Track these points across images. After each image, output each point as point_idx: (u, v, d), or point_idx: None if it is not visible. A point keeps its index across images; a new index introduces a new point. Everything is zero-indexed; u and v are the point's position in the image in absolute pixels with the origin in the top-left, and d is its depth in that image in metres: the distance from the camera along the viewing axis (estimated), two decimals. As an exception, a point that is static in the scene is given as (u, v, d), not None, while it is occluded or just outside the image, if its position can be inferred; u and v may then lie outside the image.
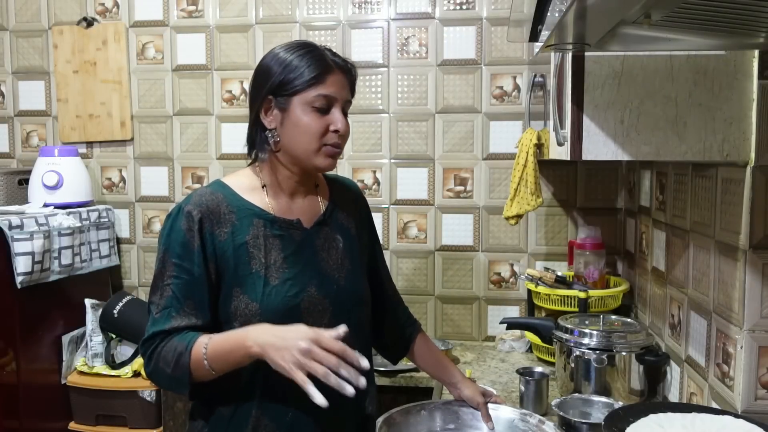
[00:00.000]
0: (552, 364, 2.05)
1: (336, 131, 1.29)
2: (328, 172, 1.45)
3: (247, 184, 1.36)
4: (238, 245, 1.29)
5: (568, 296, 2.14)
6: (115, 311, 2.40)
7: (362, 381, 1.14)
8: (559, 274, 2.25)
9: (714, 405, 1.46)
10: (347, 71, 1.33)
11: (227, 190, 1.34)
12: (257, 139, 1.35)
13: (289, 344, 1.14)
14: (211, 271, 1.28)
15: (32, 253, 2.18)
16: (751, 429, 1.20)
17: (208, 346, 1.21)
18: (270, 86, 1.30)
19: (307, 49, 1.30)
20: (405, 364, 2.27)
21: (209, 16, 2.69)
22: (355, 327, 1.36)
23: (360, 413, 1.40)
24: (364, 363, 1.14)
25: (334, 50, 1.35)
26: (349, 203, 1.48)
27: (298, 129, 1.29)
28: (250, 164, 1.40)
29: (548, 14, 0.95)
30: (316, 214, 1.40)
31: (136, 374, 2.40)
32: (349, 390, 1.12)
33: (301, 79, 1.27)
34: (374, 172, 2.62)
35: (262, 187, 1.36)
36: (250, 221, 1.31)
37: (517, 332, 2.41)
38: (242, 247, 1.29)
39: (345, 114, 1.33)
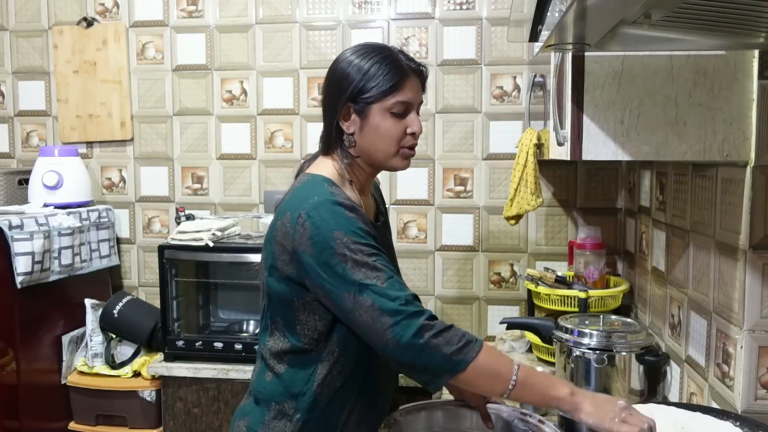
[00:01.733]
0: (552, 364, 2.05)
1: (413, 134, 1.35)
2: None
3: (339, 179, 1.37)
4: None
5: (568, 296, 2.14)
6: (115, 311, 2.40)
7: None
8: (559, 274, 2.25)
9: (714, 405, 1.46)
10: (420, 73, 1.38)
11: (331, 181, 1.34)
12: (336, 143, 1.38)
13: (609, 402, 1.18)
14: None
15: (32, 253, 2.18)
16: None
17: (519, 368, 1.19)
18: (349, 94, 1.33)
19: (384, 55, 1.33)
20: (405, 364, 2.27)
21: (209, 16, 2.69)
22: None
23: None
24: None
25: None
26: (379, 199, 1.56)
27: (378, 134, 1.34)
28: (323, 155, 1.40)
29: (548, 14, 0.95)
30: (374, 211, 1.48)
31: (136, 374, 2.40)
32: None
33: (380, 88, 1.32)
34: (374, 172, 2.62)
35: (350, 183, 1.39)
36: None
37: (517, 332, 2.41)
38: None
39: (418, 113, 1.39)
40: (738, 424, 1.24)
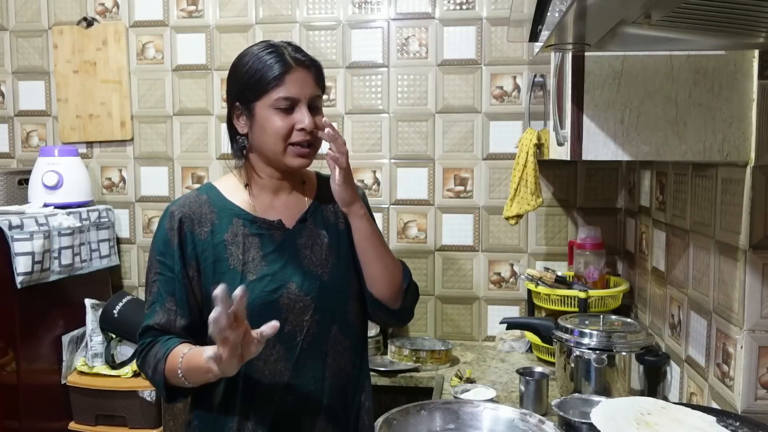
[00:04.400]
0: (552, 364, 2.05)
1: (302, 129, 1.30)
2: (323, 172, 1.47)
3: (232, 185, 1.40)
4: (216, 243, 1.33)
5: (568, 296, 2.14)
6: (115, 311, 2.40)
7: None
8: (559, 274, 2.25)
9: (714, 405, 1.46)
10: (308, 66, 1.33)
11: (213, 191, 1.39)
12: (233, 143, 1.39)
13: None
14: (191, 271, 1.32)
15: (32, 253, 2.18)
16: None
17: (183, 358, 1.23)
18: (235, 93, 1.34)
19: (267, 51, 1.31)
20: (405, 363, 2.28)
21: (209, 16, 2.69)
22: (340, 321, 1.39)
23: (353, 405, 1.42)
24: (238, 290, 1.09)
25: (300, 46, 1.36)
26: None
27: (264, 131, 1.31)
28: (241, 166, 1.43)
29: (548, 14, 0.95)
30: (300, 211, 1.41)
31: (136, 374, 2.40)
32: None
33: (260, 84, 1.29)
34: (374, 172, 2.62)
35: (245, 186, 1.39)
36: (229, 220, 1.35)
37: (517, 332, 2.41)
38: (220, 245, 1.33)
39: (317, 108, 1.33)
40: (738, 424, 1.24)
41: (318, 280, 1.36)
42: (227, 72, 1.41)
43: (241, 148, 1.36)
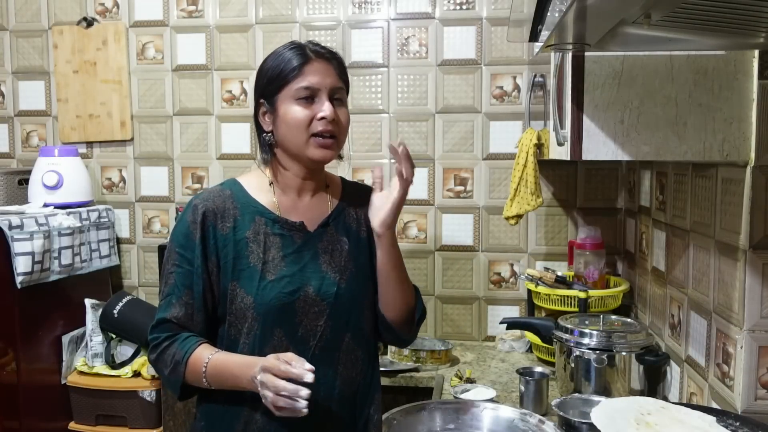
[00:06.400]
0: (552, 364, 2.05)
1: (323, 118, 1.30)
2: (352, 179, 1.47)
3: (257, 183, 1.40)
4: (238, 240, 1.33)
5: (568, 296, 2.14)
6: (115, 311, 2.40)
7: (301, 397, 1.14)
8: (559, 274, 2.25)
9: (714, 405, 1.46)
10: (329, 59, 1.34)
11: (237, 187, 1.39)
12: (260, 141, 1.40)
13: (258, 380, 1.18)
14: (211, 266, 1.32)
15: (32, 253, 2.18)
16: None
17: (208, 363, 1.24)
18: (259, 91, 1.36)
19: (289, 48, 1.34)
20: (405, 363, 2.27)
21: (209, 16, 2.69)
22: (354, 330, 1.38)
23: (361, 417, 1.40)
24: (308, 377, 1.14)
25: (324, 44, 1.38)
26: (363, 205, 1.44)
27: (287, 123, 1.32)
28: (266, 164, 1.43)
29: (548, 14, 0.95)
30: (323, 214, 1.41)
31: (136, 374, 2.40)
32: (300, 406, 1.14)
33: (280, 77, 1.31)
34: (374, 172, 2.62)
35: (270, 185, 1.39)
36: (252, 218, 1.35)
37: (517, 332, 2.41)
38: (242, 242, 1.33)
39: (340, 101, 1.35)
40: (738, 424, 1.24)
41: (335, 285, 1.35)
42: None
43: (268, 144, 1.37)
